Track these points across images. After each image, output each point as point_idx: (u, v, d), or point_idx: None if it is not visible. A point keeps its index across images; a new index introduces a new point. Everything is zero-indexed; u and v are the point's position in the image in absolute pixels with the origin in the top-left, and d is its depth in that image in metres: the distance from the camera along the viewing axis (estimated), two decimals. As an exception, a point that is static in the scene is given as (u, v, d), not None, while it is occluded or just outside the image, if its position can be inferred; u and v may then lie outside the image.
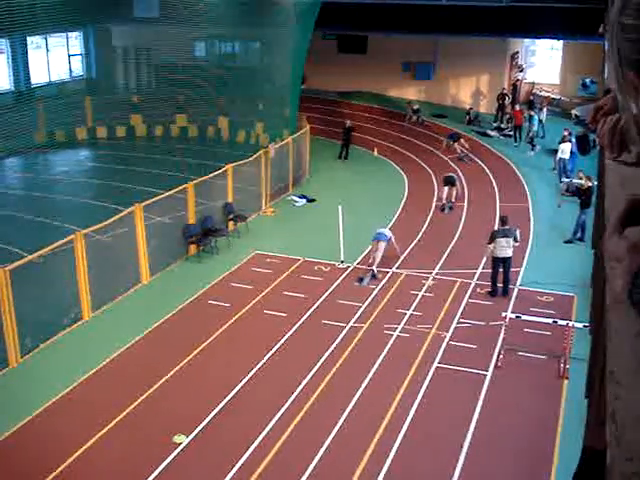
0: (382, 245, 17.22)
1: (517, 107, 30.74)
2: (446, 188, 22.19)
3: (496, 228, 17.02)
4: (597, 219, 16.47)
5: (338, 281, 17.04)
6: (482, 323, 14.97)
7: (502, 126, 31.61)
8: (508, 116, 31.67)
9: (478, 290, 16.58)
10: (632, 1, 1.02)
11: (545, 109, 30.44)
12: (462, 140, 27.94)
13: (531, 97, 33.24)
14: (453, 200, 22.31)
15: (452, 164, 26.67)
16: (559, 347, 13.38)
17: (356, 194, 23.37)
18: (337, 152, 27.76)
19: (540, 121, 29.49)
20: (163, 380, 12.78)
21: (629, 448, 0.98)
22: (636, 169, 1.86)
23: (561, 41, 33.68)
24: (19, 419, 11.62)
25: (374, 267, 17.11)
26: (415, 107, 33.20)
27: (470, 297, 16.25)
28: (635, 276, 1.03)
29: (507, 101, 32.35)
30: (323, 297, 16.16)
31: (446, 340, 14.29)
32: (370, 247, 17.54)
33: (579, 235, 19.39)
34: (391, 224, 20.79)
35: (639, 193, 1.62)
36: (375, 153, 28.42)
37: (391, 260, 17.73)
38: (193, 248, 18.43)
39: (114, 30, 31.43)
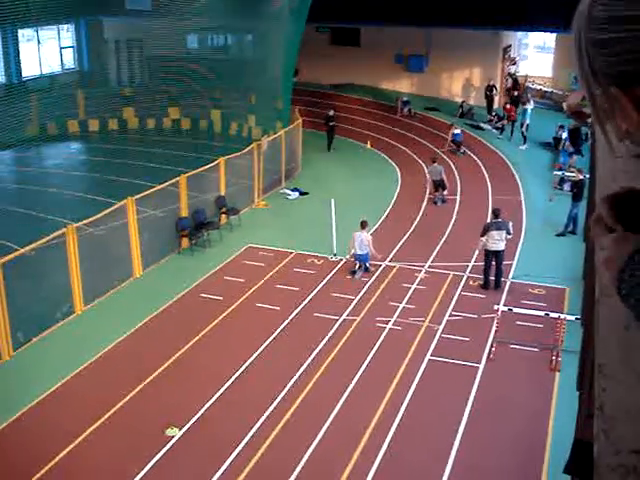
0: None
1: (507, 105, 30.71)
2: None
3: (489, 221, 17.03)
4: (589, 212, 16.49)
5: (331, 274, 17.04)
6: (474, 316, 15.01)
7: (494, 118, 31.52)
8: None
9: (470, 283, 16.61)
10: (599, 16, 0.95)
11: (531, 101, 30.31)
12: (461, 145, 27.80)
13: (515, 93, 32.95)
14: (445, 193, 22.31)
15: (445, 157, 26.64)
16: (551, 339, 13.44)
17: (349, 187, 23.34)
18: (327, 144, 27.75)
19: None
20: (156, 373, 12.78)
21: (617, 441, 0.98)
22: (627, 161, 1.86)
23: (554, 34, 33.64)
24: (11, 413, 11.61)
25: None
26: (404, 99, 33.14)
27: (462, 290, 16.27)
28: (622, 271, 1.03)
29: (494, 93, 32.24)
30: (316, 290, 16.16)
31: (439, 333, 14.33)
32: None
33: (571, 228, 19.42)
34: (384, 217, 20.82)
35: (630, 186, 1.62)
36: (368, 146, 28.39)
37: (382, 254, 17.73)
38: (185, 241, 18.39)
39: (106, 22, 31.26)
